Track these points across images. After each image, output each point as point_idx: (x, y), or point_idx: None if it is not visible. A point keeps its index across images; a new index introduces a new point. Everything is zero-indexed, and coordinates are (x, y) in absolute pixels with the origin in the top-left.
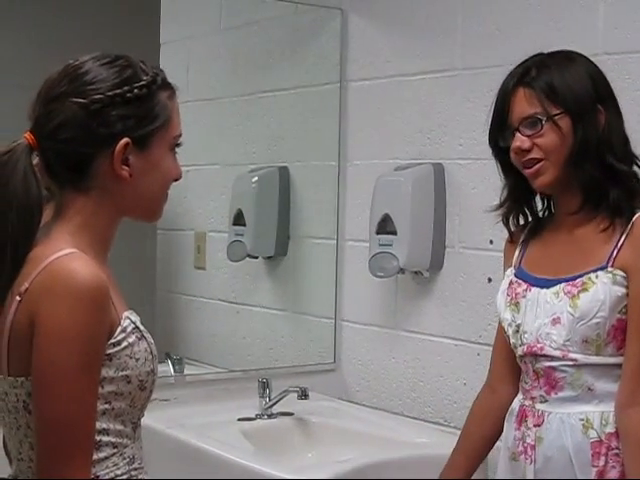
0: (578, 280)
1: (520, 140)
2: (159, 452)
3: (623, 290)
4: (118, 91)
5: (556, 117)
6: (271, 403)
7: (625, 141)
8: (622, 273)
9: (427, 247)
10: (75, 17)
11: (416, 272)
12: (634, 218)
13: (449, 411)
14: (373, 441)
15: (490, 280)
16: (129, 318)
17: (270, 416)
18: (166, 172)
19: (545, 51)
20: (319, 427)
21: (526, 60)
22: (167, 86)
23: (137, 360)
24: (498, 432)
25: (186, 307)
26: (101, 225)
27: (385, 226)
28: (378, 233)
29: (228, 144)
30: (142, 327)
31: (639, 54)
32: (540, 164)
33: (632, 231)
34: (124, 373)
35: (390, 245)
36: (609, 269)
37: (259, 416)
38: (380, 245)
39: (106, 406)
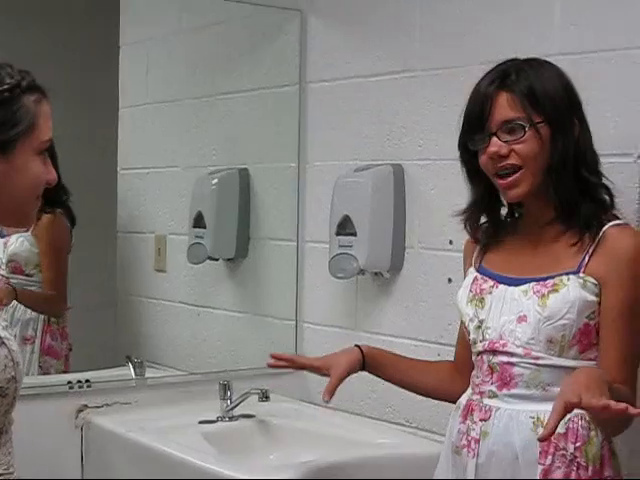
0: (549, 281)
1: (497, 145)
2: (120, 456)
3: (593, 297)
4: None
5: (539, 125)
6: (232, 405)
7: (596, 156)
8: (593, 280)
9: (387, 248)
10: (32, 20)
11: (376, 273)
12: (604, 228)
13: (410, 411)
14: (334, 442)
15: (450, 280)
16: None
17: (231, 418)
18: (33, 177)
19: (504, 52)
20: (280, 429)
21: (501, 64)
22: (34, 90)
23: None
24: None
25: (147, 310)
26: None
27: (345, 227)
28: (338, 234)
29: (187, 146)
30: (3, 334)
31: (595, 54)
32: (517, 174)
33: (603, 241)
34: None
35: (350, 246)
36: (581, 274)
37: (220, 418)
38: (340, 246)
39: None
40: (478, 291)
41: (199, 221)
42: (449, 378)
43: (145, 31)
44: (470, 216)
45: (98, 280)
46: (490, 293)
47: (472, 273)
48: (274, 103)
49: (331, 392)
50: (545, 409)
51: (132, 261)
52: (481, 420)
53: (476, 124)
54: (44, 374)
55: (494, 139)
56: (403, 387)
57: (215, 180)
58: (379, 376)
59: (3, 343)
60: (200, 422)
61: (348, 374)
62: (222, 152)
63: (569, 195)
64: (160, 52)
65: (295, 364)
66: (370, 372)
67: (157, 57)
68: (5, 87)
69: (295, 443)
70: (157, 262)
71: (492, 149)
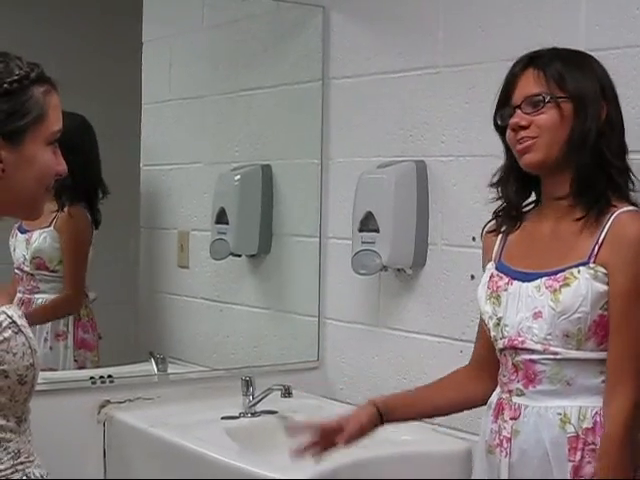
0: (560, 275)
1: (519, 117)
2: (142, 451)
3: (604, 287)
4: None
5: (560, 99)
6: (254, 401)
7: (622, 141)
8: (603, 270)
9: (410, 244)
10: (57, 16)
11: (399, 269)
12: (615, 214)
13: None
14: None
15: (473, 277)
16: (5, 313)
17: (254, 414)
18: (43, 167)
19: (528, 49)
20: None
21: (539, 50)
22: (43, 81)
23: (14, 355)
24: (449, 406)
25: (169, 306)
26: None
27: (368, 223)
28: (361, 231)
29: (210, 142)
30: (20, 322)
31: (620, 50)
32: (532, 141)
33: (612, 228)
34: (1, 368)
35: (373, 243)
36: (591, 265)
37: (242, 414)
38: (363, 243)
39: None
40: (495, 288)
41: (222, 217)
42: (468, 382)
43: (168, 28)
44: (502, 184)
45: (121, 276)
46: (506, 290)
47: (489, 269)
48: (297, 99)
49: (347, 439)
50: (570, 404)
51: (155, 257)
52: (511, 419)
53: (504, 100)
54: (79, 368)
55: (517, 111)
56: (428, 417)
57: (238, 176)
58: (400, 420)
59: (20, 331)
60: (222, 418)
61: (367, 425)
62: (245, 148)
63: (585, 170)
64: (183, 48)
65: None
66: (390, 420)
67: (180, 53)
68: (14, 78)
69: None
70: (180, 258)
71: (514, 120)
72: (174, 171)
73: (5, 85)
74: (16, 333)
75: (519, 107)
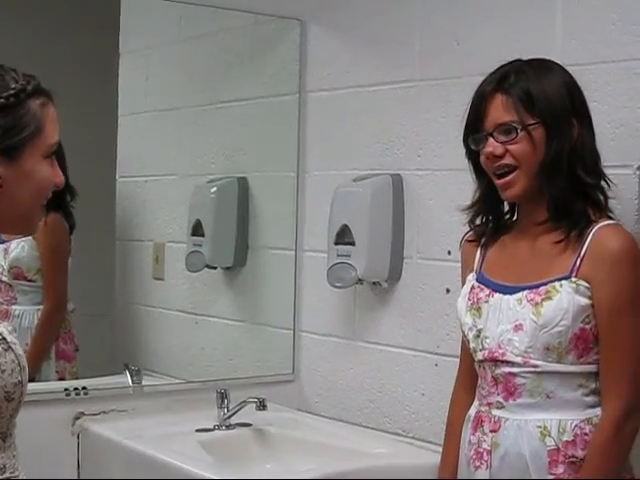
0: (542, 288)
1: (493, 146)
2: (117, 463)
3: (586, 300)
4: None
5: (531, 127)
6: (229, 414)
7: (596, 156)
8: (585, 284)
9: (385, 258)
10: (32, 26)
11: (374, 283)
12: (595, 228)
13: (407, 421)
14: (332, 452)
15: (448, 291)
16: None
17: (228, 427)
18: (41, 181)
19: (503, 63)
20: (277, 438)
21: (504, 65)
22: (40, 93)
23: (3, 372)
24: None
25: (144, 318)
26: None
27: (343, 237)
28: (336, 244)
29: (186, 154)
30: (9, 338)
31: (596, 65)
32: (513, 174)
33: (592, 242)
34: None
35: (348, 256)
36: (573, 279)
37: (217, 427)
38: (338, 256)
39: None
40: (475, 300)
41: (198, 229)
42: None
43: (145, 39)
44: (476, 213)
45: (96, 287)
46: (487, 302)
47: (470, 281)
48: (274, 112)
49: None
50: (550, 417)
51: (130, 269)
52: (491, 431)
53: (474, 124)
54: (60, 379)
55: (490, 140)
56: None
57: (214, 189)
58: None
59: (10, 348)
60: (197, 430)
61: None
62: (221, 161)
63: (561, 194)
64: (160, 60)
65: None
66: None
67: (157, 65)
68: (10, 92)
69: (292, 452)
70: (155, 270)
71: (488, 149)
72: (150, 183)
73: (2, 100)
74: (5, 350)
75: (491, 135)
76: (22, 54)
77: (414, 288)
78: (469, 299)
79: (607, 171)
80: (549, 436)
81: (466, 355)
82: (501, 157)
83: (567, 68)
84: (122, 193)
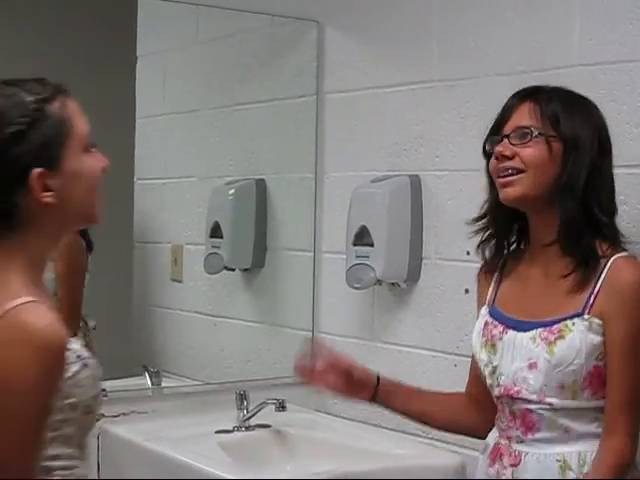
0: (555, 327)
1: (504, 146)
2: (137, 465)
3: (599, 337)
4: (11, 129)
5: (550, 137)
6: (249, 415)
7: (611, 195)
8: (598, 321)
9: (404, 258)
10: (50, 30)
11: (393, 283)
12: (609, 263)
13: None
14: (351, 453)
15: (467, 291)
16: (72, 347)
17: (248, 428)
18: (88, 174)
19: (522, 63)
20: (297, 439)
21: (542, 86)
22: (56, 93)
23: (82, 387)
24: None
25: (163, 320)
26: (42, 252)
27: (362, 238)
28: (355, 245)
29: (205, 156)
30: (85, 353)
31: (613, 65)
32: (516, 176)
33: (608, 275)
34: (70, 401)
35: (367, 257)
36: (585, 316)
37: (237, 428)
38: (357, 257)
39: (55, 433)
40: (490, 337)
41: (216, 231)
42: (463, 410)
43: (163, 42)
44: (483, 226)
45: (115, 290)
46: (501, 339)
47: (483, 316)
48: (291, 114)
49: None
50: (570, 450)
51: (149, 271)
52: (511, 465)
53: (496, 128)
54: None
55: (505, 141)
56: (413, 418)
57: (232, 190)
58: (390, 406)
59: (86, 365)
60: (216, 432)
61: (357, 373)
62: (239, 163)
63: (573, 223)
64: (177, 63)
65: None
66: (380, 401)
67: (174, 68)
68: (30, 108)
69: (311, 454)
70: (174, 272)
71: (498, 148)
72: (168, 185)
73: (27, 118)
74: (84, 366)
75: (507, 137)
76: (40, 58)
77: (433, 289)
78: (483, 335)
79: (625, 171)
80: (569, 469)
81: (476, 368)
82: (509, 159)
83: (586, 67)
84: (140, 195)
